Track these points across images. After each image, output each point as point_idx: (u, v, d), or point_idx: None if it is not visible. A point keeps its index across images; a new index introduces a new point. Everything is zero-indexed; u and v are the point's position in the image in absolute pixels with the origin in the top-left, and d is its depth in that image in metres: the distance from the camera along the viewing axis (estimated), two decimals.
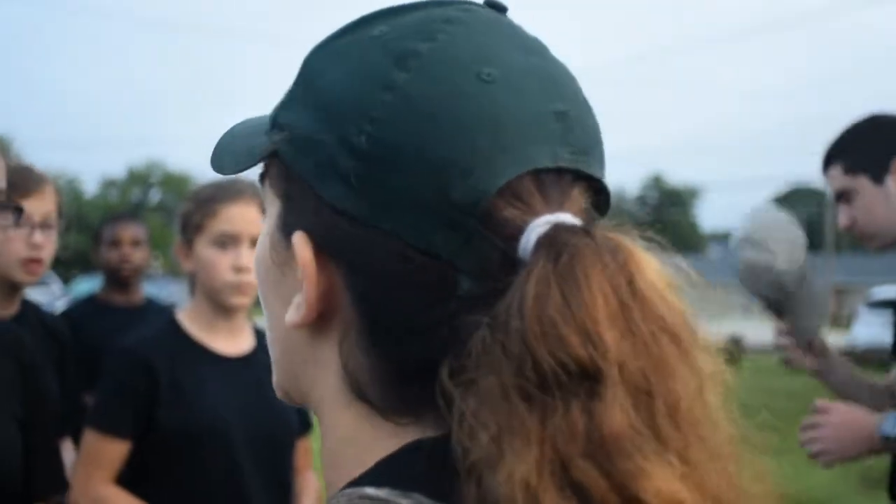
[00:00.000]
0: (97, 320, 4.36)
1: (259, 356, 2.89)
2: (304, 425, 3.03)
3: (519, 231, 0.73)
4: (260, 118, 0.90)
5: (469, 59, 0.76)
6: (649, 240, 0.74)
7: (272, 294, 0.85)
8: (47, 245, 3.12)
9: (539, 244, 0.71)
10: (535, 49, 0.81)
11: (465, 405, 0.68)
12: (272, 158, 0.83)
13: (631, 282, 0.69)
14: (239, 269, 2.75)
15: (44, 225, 3.10)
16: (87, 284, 29.99)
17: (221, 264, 2.75)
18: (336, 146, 0.76)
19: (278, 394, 0.91)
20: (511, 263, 0.72)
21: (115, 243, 4.56)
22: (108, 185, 78.49)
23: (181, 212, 2.87)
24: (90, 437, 2.74)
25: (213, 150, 0.92)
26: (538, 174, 0.75)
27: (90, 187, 76.87)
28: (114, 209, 50.30)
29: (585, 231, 0.72)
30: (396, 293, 0.75)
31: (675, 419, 0.68)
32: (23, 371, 2.21)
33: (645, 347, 0.68)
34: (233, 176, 2.60)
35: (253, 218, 2.77)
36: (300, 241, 0.78)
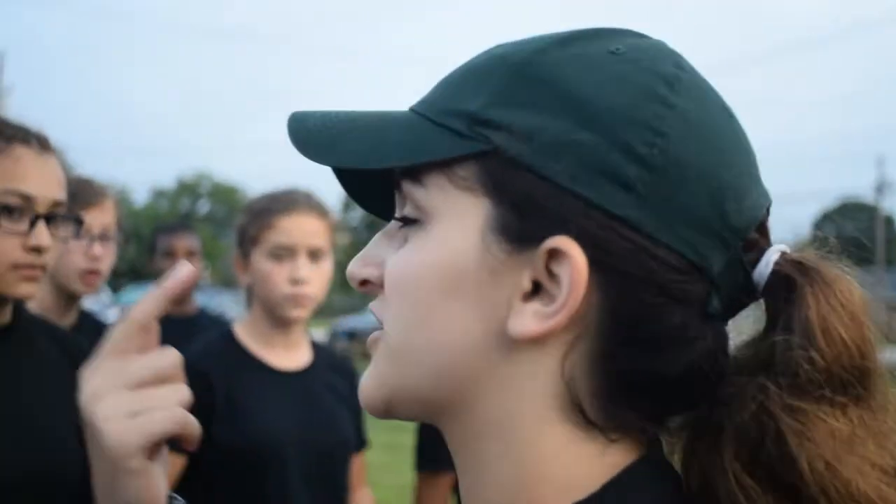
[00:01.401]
0: None
1: (316, 370, 2.88)
2: (359, 441, 3.01)
3: (757, 258, 0.79)
4: (377, 113, 0.86)
5: (711, 90, 0.81)
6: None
7: (458, 300, 0.79)
8: (105, 257, 3.17)
9: (780, 269, 0.78)
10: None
11: (796, 418, 0.74)
12: (470, 157, 0.78)
13: (865, 308, 0.78)
14: (296, 282, 2.73)
15: (102, 237, 3.15)
16: (137, 294, 30.25)
17: (278, 277, 2.73)
18: (610, 152, 0.75)
19: (383, 402, 0.85)
20: (746, 286, 0.79)
21: (170, 254, 4.60)
22: (158, 195, 79.08)
23: (237, 224, 2.86)
24: None
25: (307, 139, 0.86)
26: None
27: (140, 197, 77.50)
28: (163, 219, 50.68)
29: (818, 263, 0.79)
30: (659, 305, 0.76)
31: None
32: None
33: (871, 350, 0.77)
34: (288, 187, 2.58)
35: (309, 229, 2.75)
36: (571, 246, 0.75)
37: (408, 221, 0.83)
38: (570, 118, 0.76)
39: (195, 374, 2.72)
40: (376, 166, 0.81)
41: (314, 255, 2.77)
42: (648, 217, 0.75)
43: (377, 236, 0.88)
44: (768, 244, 0.80)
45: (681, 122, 0.76)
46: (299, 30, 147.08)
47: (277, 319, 2.80)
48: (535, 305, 0.76)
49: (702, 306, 0.77)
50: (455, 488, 3.02)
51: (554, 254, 0.76)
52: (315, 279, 2.76)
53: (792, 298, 0.76)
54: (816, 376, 0.74)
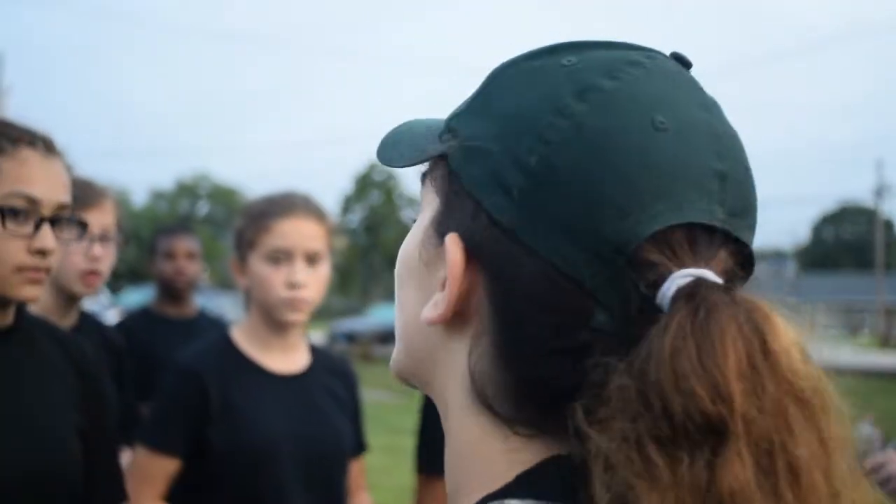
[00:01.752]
0: (151, 332, 4.41)
1: (314, 374, 2.88)
2: (358, 445, 3.01)
3: (662, 278, 0.75)
4: (434, 120, 0.94)
5: (646, 104, 0.79)
6: (790, 307, 0.75)
7: (411, 286, 0.89)
8: (105, 258, 3.17)
9: (678, 295, 0.74)
10: (708, 106, 0.83)
11: (602, 444, 0.71)
12: (439, 160, 0.87)
13: (763, 344, 0.71)
14: (293, 285, 2.72)
15: (102, 238, 3.16)
16: (136, 295, 30.25)
17: (275, 280, 2.73)
18: (504, 159, 0.80)
19: (395, 373, 0.94)
20: (647, 308, 0.75)
21: (170, 256, 4.62)
22: (157, 196, 79.10)
23: (234, 228, 2.86)
24: (140, 453, 2.74)
25: (381, 142, 0.96)
26: (691, 228, 0.77)
27: (139, 198, 77.50)
28: (162, 221, 50.67)
29: (725, 290, 0.74)
30: (534, 312, 0.78)
31: (795, 482, 0.70)
32: (83, 381, 2.24)
33: (772, 409, 0.70)
34: (284, 190, 2.62)
35: (307, 232, 2.75)
36: (453, 241, 0.82)
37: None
38: (491, 128, 0.82)
39: (190, 378, 2.76)
40: (389, 166, 0.94)
41: (312, 258, 2.76)
42: (520, 220, 0.78)
43: None
44: (679, 264, 0.76)
45: (571, 132, 0.78)
46: (299, 31, 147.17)
47: (275, 323, 2.79)
48: (437, 295, 0.84)
49: (585, 319, 0.76)
50: None
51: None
52: (312, 283, 2.76)
53: (664, 322, 0.73)
54: (641, 410, 0.70)
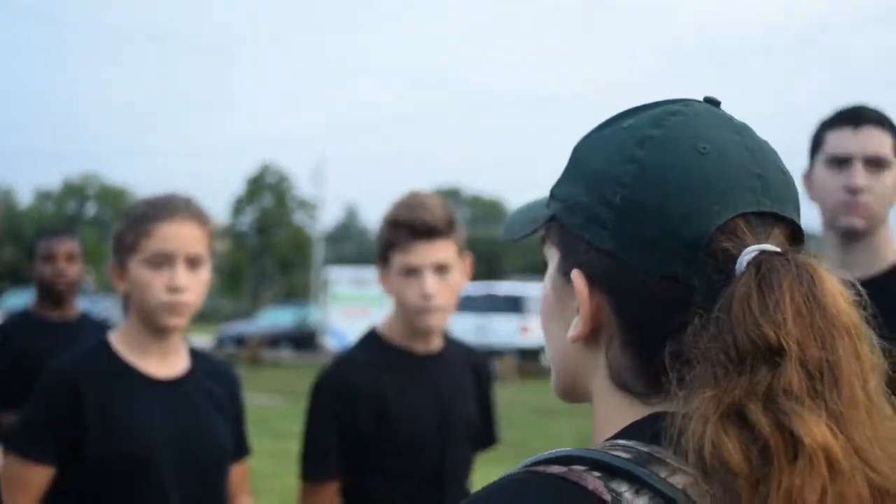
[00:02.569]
0: (32, 335, 4.36)
1: (194, 378, 2.86)
2: (241, 449, 3.00)
3: (735, 258, 1.00)
4: (543, 199, 1.19)
5: (689, 137, 1.06)
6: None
7: (554, 321, 1.15)
8: None
9: (749, 264, 0.99)
10: (741, 129, 1.09)
11: (683, 374, 0.97)
12: (552, 222, 1.14)
13: (812, 290, 0.97)
14: (174, 290, 2.70)
15: None
16: (18, 298, 29.61)
17: (156, 284, 2.70)
18: (597, 204, 1.06)
19: (560, 395, 1.20)
20: (729, 283, 0.99)
21: (50, 258, 4.55)
22: (43, 197, 77.50)
23: (114, 232, 2.82)
24: (11, 462, 2.70)
25: (506, 224, 1.26)
26: (747, 216, 1.03)
27: (24, 198, 75.86)
28: (48, 222, 49.69)
29: (783, 254, 1.00)
30: (648, 308, 1.04)
31: (837, 390, 0.94)
32: None
33: (820, 337, 0.95)
34: (165, 192, 2.63)
35: (188, 235, 2.73)
36: (576, 275, 1.08)
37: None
38: (580, 185, 1.09)
39: (64, 384, 2.72)
40: (517, 237, 1.21)
41: (193, 262, 2.74)
42: (619, 246, 1.04)
43: None
44: (744, 244, 1.01)
45: (639, 173, 1.04)
46: (205, 34, 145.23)
47: (155, 327, 2.77)
48: (576, 319, 1.09)
49: (688, 302, 1.01)
50: (344, 493, 3.05)
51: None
52: (193, 287, 2.74)
53: (737, 282, 0.98)
54: (715, 344, 0.96)
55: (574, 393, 1.17)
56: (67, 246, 4.63)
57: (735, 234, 1.02)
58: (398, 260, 2.99)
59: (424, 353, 3.12)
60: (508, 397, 11.98)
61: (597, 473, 0.98)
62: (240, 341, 33.77)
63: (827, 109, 2.91)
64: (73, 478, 2.67)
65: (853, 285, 1.01)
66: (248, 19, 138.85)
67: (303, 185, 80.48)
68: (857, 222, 2.81)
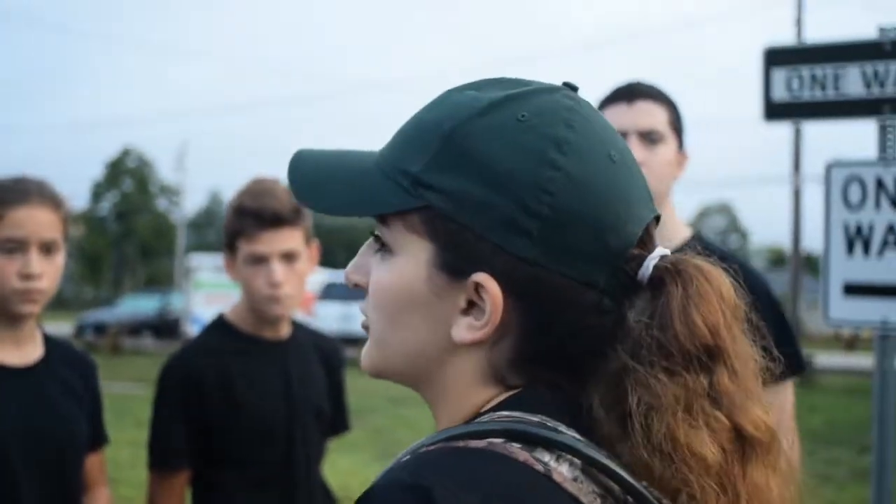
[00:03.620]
0: None
1: (48, 366, 2.80)
2: (97, 439, 2.95)
3: (640, 263, 1.09)
4: (355, 158, 1.16)
5: (601, 144, 1.09)
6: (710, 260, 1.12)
7: (416, 314, 1.10)
8: None
9: (657, 271, 1.08)
10: (611, 125, 1.14)
11: (638, 371, 1.04)
12: (415, 210, 1.08)
13: (720, 291, 1.08)
14: (27, 276, 2.64)
15: None
16: None
17: (8, 271, 2.63)
18: (515, 209, 1.04)
19: (375, 373, 1.18)
20: (632, 285, 1.08)
21: None
22: None
23: None
24: None
25: (297, 181, 1.16)
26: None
27: None
28: None
29: (687, 259, 1.09)
30: (560, 312, 1.07)
31: (746, 385, 1.06)
32: None
33: (734, 336, 1.07)
34: (17, 175, 2.55)
35: (42, 220, 2.67)
36: (488, 280, 1.05)
37: (382, 245, 1.13)
38: (484, 183, 1.05)
39: None
40: (351, 215, 1.12)
41: (47, 247, 2.69)
42: (543, 255, 1.05)
43: (364, 247, 1.18)
44: (650, 250, 1.10)
45: (565, 181, 1.05)
46: (66, 12, 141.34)
47: (8, 315, 2.70)
48: (469, 319, 1.08)
49: (597, 306, 1.07)
50: (193, 481, 3.03)
51: (478, 285, 1.06)
52: (48, 273, 2.69)
53: (659, 292, 1.07)
54: (662, 350, 1.04)
55: (403, 378, 1.17)
56: None
57: (643, 241, 1.10)
58: (245, 248, 2.99)
59: (273, 340, 3.13)
60: (368, 386, 11.96)
61: (517, 444, 1.01)
62: (100, 329, 33.16)
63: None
64: None
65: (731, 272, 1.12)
66: None
67: (164, 171, 79.25)
68: None
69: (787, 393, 2.80)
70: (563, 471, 1.00)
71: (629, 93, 2.88)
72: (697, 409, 1.03)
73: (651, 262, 1.08)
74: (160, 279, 69.68)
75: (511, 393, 1.09)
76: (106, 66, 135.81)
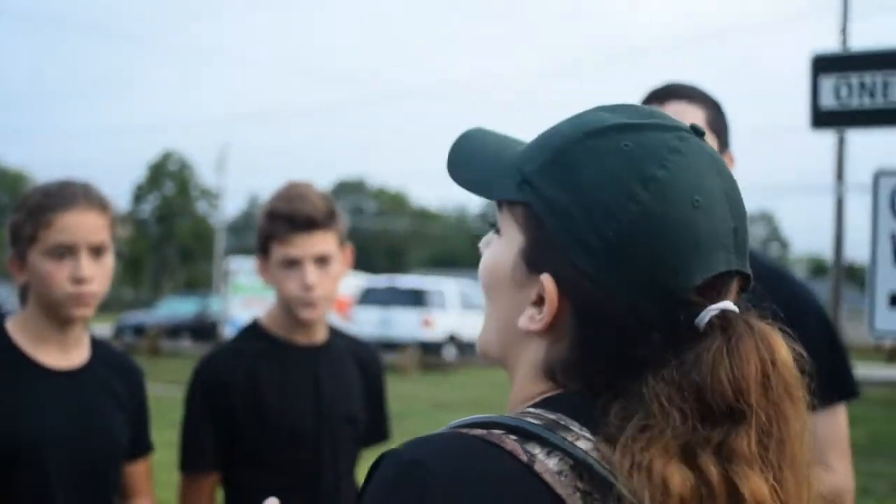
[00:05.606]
0: None
1: (93, 370, 2.80)
2: (141, 446, 2.95)
3: (698, 312, 1.12)
4: (500, 143, 1.29)
5: (687, 188, 1.12)
6: (776, 321, 1.15)
7: (504, 295, 1.23)
8: None
9: (711, 322, 1.11)
10: (722, 170, 1.17)
11: (654, 405, 1.08)
12: (520, 203, 1.20)
13: (772, 358, 1.10)
14: (79, 281, 2.64)
15: None
16: None
17: (59, 276, 2.63)
18: (588, 227, 1.13)
19: (482, 350, 1.30)
20: (689, 329, 1.12)
21: None
22: None
23: (10, 222, 2.73)
24: None
25: (452, 153, 1.29)
26: (717, 275, 1.13)
27: None
28: None
29: (745, 319, 1.12)
30: (609, 332, 1.13)
31: (780, 452, 1.08)
32: None
33: (774, 404, 1.09)
34: (62, 179, 2.57)
35: (89, 224, 2.67)
36: (550, 282, 1.15)
37: (495, 229, 1.26)
38: (572, 197, 1.14)
39: None
40: (473, 192, 1.26)
41: (96, 251, 2.69)
42: (602, 274, 1.12)
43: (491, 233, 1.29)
44: (714, 300, 1.13)
45: (639, 214, 1.11)
46: (104, 16, 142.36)
47: (59, 319, 2.70)
48: (533, 311, 1.18)
49: (645, 338, 1.12)
50: (223, 484, 3.04)
51: (544, 284, 1.15)
52: (98, 276, 2.69)
53: (704, 341, 1.10)
54: (681, 392, 1.08)
55: (497, 358, 1.27)
56: None
57: (705, 290, 1.13)
58: (278, 251, 2.99)
59: (306, 345, 3.12)
60: (409, 391, 11.95)
61: (513, 437, 1.10)
62: (139, 331, 33.32)
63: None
64: None
65: (794, 343, 1.15)
66: (150, 4, 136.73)
67: (205, 174, 79.59)
68: None
69: (838, 417, 2.65)
70: (549, 464, 1.09)
71: (663, 93, 2.84)
72: (697, 455, 1.06)
73: (710, 312, 1.12)
74: (199, 282, 70.03)
75: (554, 392, 1.18)
76: (149, 71, 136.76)
